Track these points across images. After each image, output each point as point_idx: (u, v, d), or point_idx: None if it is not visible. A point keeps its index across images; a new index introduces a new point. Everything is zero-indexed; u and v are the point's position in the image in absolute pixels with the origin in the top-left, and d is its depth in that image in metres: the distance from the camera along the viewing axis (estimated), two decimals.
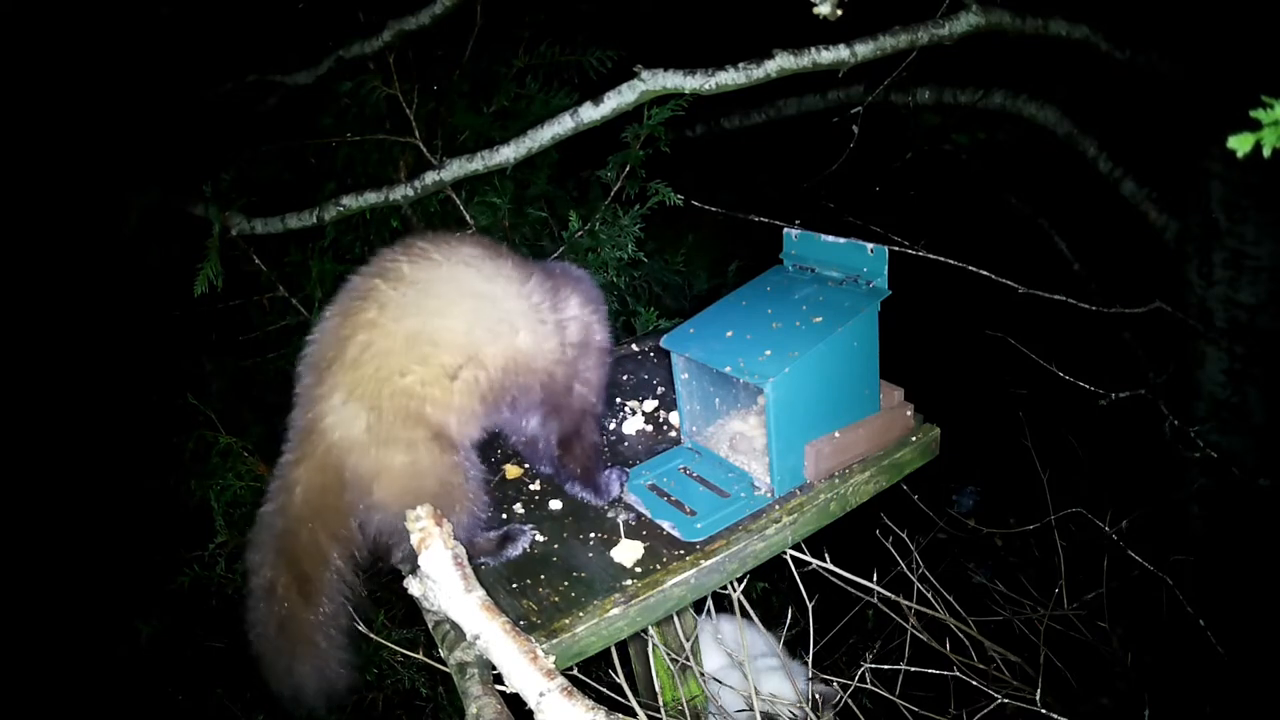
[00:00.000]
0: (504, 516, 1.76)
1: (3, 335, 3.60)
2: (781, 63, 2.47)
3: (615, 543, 1.58)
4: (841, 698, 2.06)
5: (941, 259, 2.77)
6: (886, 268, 1.68)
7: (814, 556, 1.86)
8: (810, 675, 2.14)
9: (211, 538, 2.97)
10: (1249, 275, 3.03)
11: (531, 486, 1.85)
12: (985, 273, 2.77)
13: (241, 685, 3.13)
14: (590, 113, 2.60)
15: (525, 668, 1.14)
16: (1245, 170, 2.88)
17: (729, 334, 1.71)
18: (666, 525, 1.60)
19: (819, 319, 1.65)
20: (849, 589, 2.00)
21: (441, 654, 1.44)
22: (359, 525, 1.53)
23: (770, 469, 1.63)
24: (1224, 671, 2.54)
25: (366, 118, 3.33)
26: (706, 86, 2.49)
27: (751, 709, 1.96)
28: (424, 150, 2.99)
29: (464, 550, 1.32)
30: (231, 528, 2.95)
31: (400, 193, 2.92)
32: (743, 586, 1.93)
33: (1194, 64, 3.12)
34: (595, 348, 1.77)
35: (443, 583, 1.27)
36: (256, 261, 3.25)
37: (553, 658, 1.20)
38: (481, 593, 1.27)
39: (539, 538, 1.66)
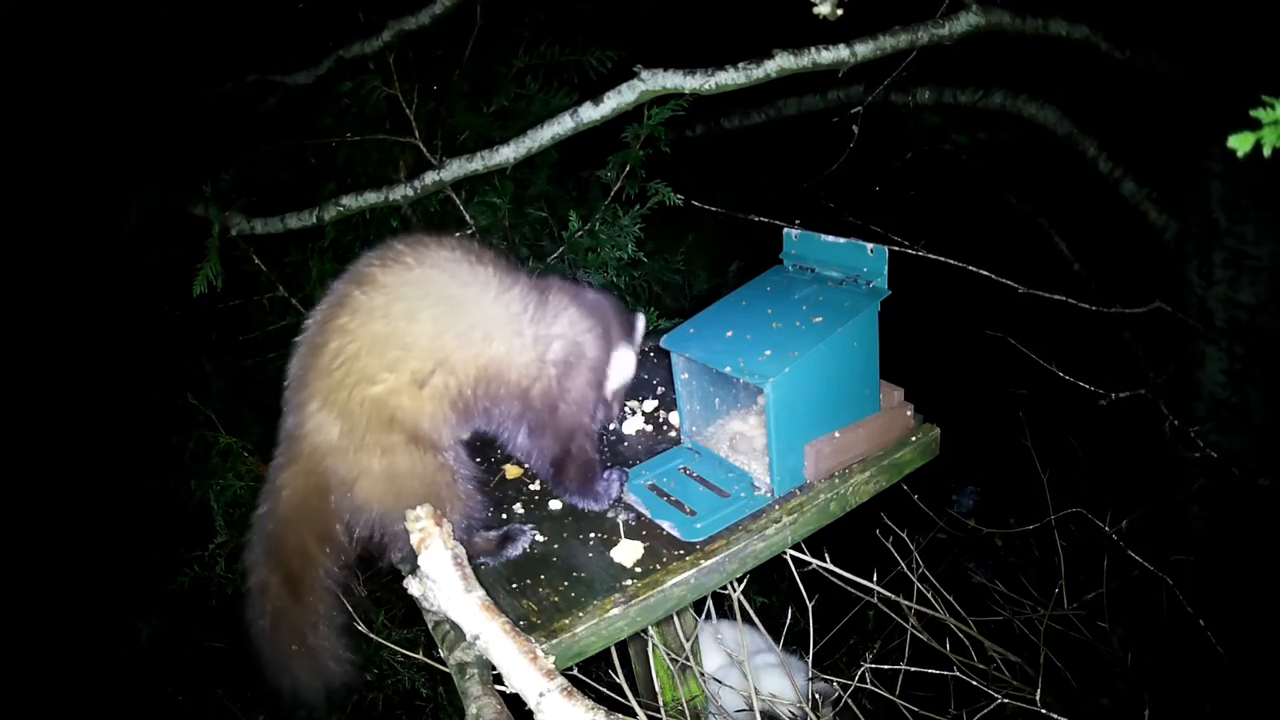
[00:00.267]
0: (504, 516, 1.75)
1: (3, 335, 3.60)
2: (781, 63, 2.47)
3: (615, 543, 1.58)
4: (842, 698, 2.06)
5: (941, 259, 2.77)
6: (886, 268, 1.68)
7: (814, 556, 1.86)
8: (810, 675, 2.14)
9: (211, 538, 2.97)
10: (1249, 275, 3.03)
11: (531, 486, 1.85)
12: (985, 273, 2.77)
13: (241, 685, 3.13)
14: (590, 113, 2.60)
15: (525, 668, 1.14)
16: (1245, 170, 2.87)
17: (729, 334, 1.71)
18: (666, 525, 1.60)
19: (819, 319, 1.65)
20: (849, 589, 2.00)
21: (441, 654, 1.44)
22: (346, 526, 1.54)
23: (770, 469, 1.63)
24: (1224, 671, 2.54)
25: (366, 118, 3.33)
26: (706, 86, 2.49)
27: (751, 709, 1.96)
28: (424, 150, 2.99)
29: (464, 550, 1.32)
30: (231, 528, 2.95)
31: (400, 193, 2.92)
32: (742, 587, 1.93)
33: (1194, 64, 3.12)
34: (585, 366, 1.70)
35: (442, 583, 1.27)
36: (256, 261, 3.25)
37: (553, 658, 1.20)
38: (481, 593, 1.27)
39: (539, 538, 1.65)
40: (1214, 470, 3.08)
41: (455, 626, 1.34)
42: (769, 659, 2.27)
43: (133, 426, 3.63)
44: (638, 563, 1.52)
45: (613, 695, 1.92)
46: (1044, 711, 1.96)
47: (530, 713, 1.12)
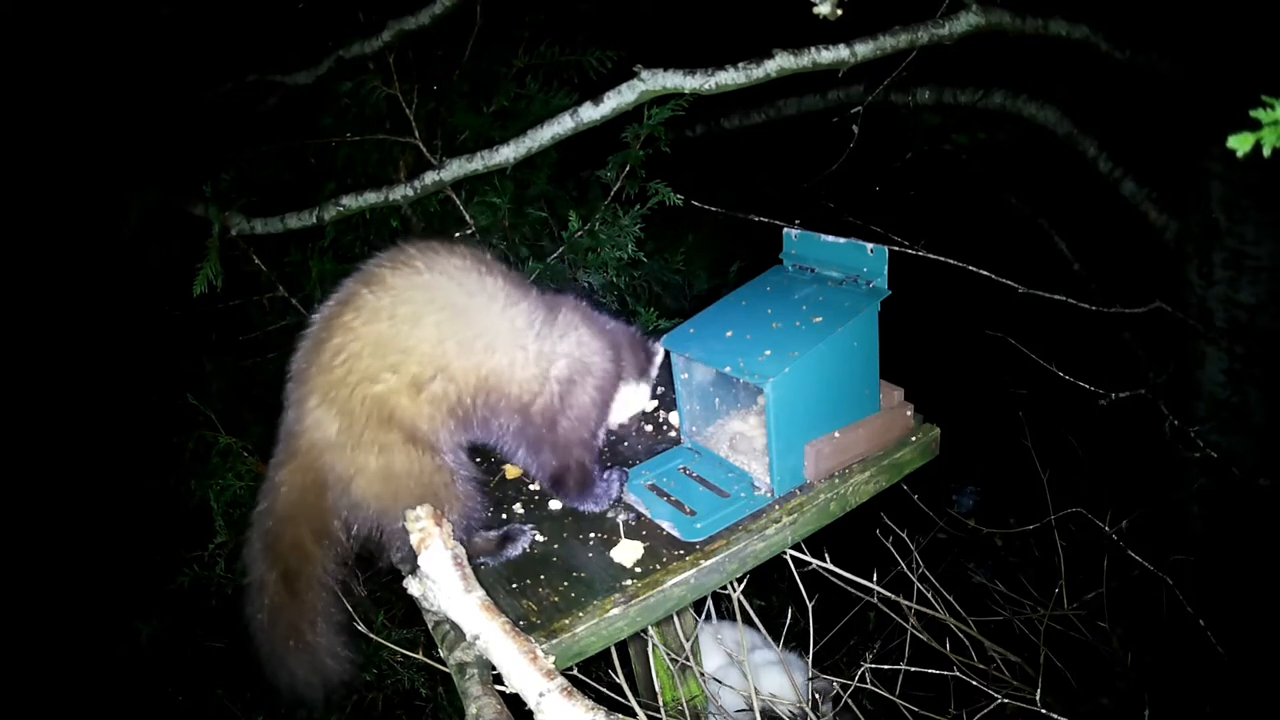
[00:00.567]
0: (504, 516, 1.75)
1: (3, 335, 3.60)
2: (781, 63, 2.47)
3: (615, 543, 1.58)
4: (843, 698, 2.06)
5: (941, 259, 2.77)
6: (886, 268, 1.68)
7: (814, 556, 1.86)
8: (810, 675, 2.14)
9: (211, 538, 2.97)
10: (1249, 275, 3.03)
11: (531, 487, 1.85)
12: (985, 273, 2.77)
13: (241, 685, 3.13)
14: (590, 113, 2.60)
15: (525, 668, 1.14)
16: (1245, 170, 2.87)
17: (729, 334, 1.71)
18: (666, 525, 1.60)
19: (819, 319, 1.65)
20: (849, 589, 2.00)
21: (441, 654, 1.44)
22: (344, 523, 1.54)
23: (770, 469, 1.63)
24: (1224, 671, 2.54)
25: (366, 118, 3.33)
26: (706, 86, 2.49)
27: (751, 709, 1.96)
28: (424, 150, 2.99)
29: (464, 550, 1.32)
30: (231, 528, 2.95)
31: (400, 193, 2.92)
32: (742, 587, 1.93)
33: (1194, 64, 3.12)
34: (590, 384, 1.68)
35: (442, 583, 1.27)
36: (256, 261, 3.25)
37: (553, 658, 1.20)
38: (481, 593, 1.27)
39: (539, 538, 1.65)
40: (1214, 470, 3.08)
41: (455, 626, 1.34)
42: (769, 659, 2.27)
43: (133, 426, 3.63)
44: (638, 563, 1.52)
45: (613, 695, 1.92)
46: (1044, 711, 1.96)
47: (530, 713, 1.12)
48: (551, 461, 1.67)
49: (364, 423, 1.46)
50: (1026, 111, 3.92)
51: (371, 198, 2.98)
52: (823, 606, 2.03)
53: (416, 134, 3.01)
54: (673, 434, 1.97)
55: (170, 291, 3.22)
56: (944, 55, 2.77)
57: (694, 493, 1.69)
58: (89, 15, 3.50)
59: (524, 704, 1.14)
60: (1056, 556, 2.42)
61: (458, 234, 3.12)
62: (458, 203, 3.04)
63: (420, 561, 1.30)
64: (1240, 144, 0.80)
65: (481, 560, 1.58)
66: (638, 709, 1.85)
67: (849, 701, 2.05)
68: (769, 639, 2.12)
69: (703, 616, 2.28)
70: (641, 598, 1.43)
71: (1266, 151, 0.80)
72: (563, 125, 2.66)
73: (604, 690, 1.93)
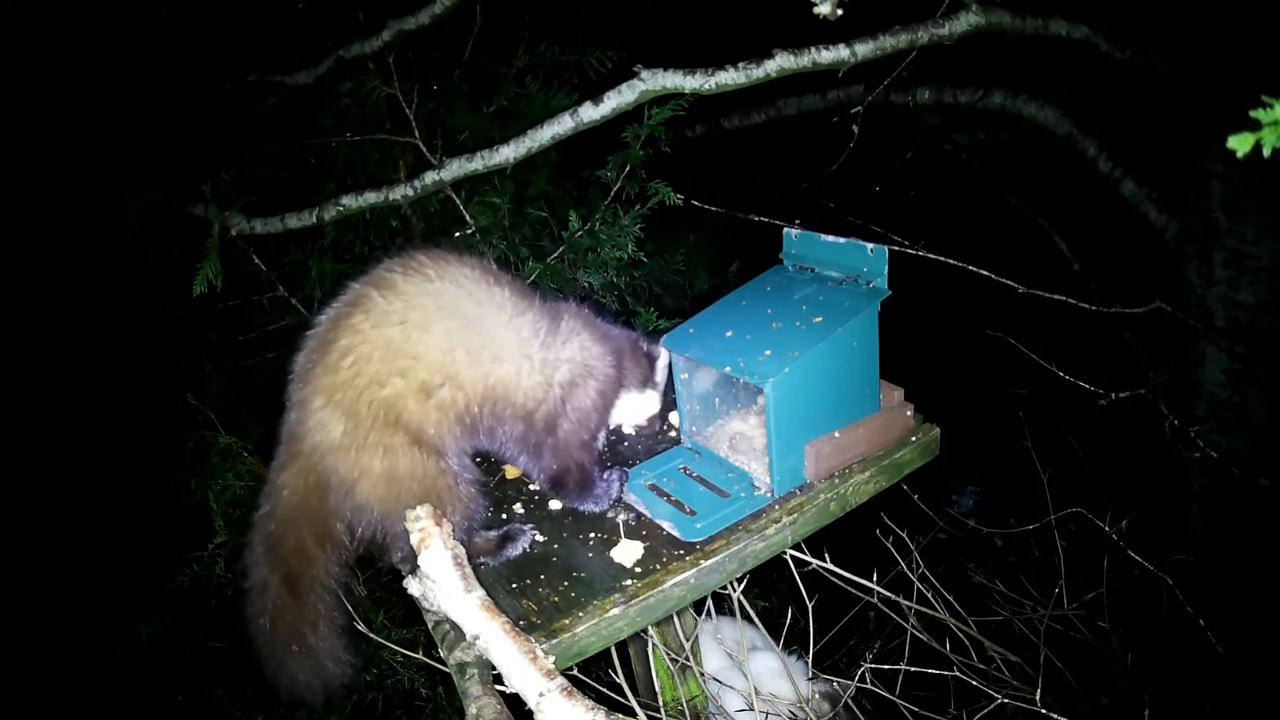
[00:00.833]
0: (504, 516, 1.76)
1: (3, 335, 3.60)
2: (781, 63, 2.47)
3: (615, 543, 1.58)
4: (843, 698, 2.06)
5: (941, 259, 2.77)
6: (886, 268, 1.68)
7: (814, 556, 1.86)
8: (810, 675, 2.14)
9: (211, 538, 2.97)
10: (1249, 275, 3.03)
11: (531, 487, 1.85)
12: (985, 273, 2.77)
13: (241, 685, 3.13)
14: (590, 113, 2.60)
15: (525, 668, 1.14)
16: (1245, 170, 2.88)
17: (729, 334, 1.71)
18: (666, 525, 1.60)
19: (819, 319, 1.65)
20: (849, 589, 2.00)
21: (441, 654, 1.44)
22: (348, 526, 1.54)
23: (770, 469, 1.63)
24: (1224, 671, 2.54)
25: (366, 118, 3.33)
26: (706, 86, 2.49)
27: (752, 709, 1.96)
28: (424, 150, 2.99)
29: (464, 550, 1.32)
30: (231, 528, 2.95)
31: (400, 193, 2.92)
32: (742, 586, 1.93)
33: (1194, 64, 3.12)
34: (592, 388, 1.69)
35: (442, 583, 1.27)
36: (256, 261, 3.25)
37: (553, 658, 1.20)
38: (481, 593, 1.27)
39: (539, 538, 1.66)
40: (1214, 470, 3.08)
41: (455, 626, 1.34)
42: (769, 658, 2.27)
43: (133, 426, 3.63)
44: (638, 563, 1.52)
45: (613, 695, 1.93)
46: (1044, 711, 1.96)
47: (530, 713, 1.12)
48: (552, 465, 1.67)
49: (370, 425, 1.46)
50: (1026, 111, 3.92)
51: (371, 198, 2.98)
52: (823, 606, 2.04)
53: (416, 134, 3.01)
54: (673, 434, 1.97)
55: (170, 291, 3.22)
56: (944, 55, 2.77)
57: (694, 493, 1.70)
58: (89, 15, 3.50)
59: (524, 704, 1.14)
60: (1056, 556, 2.42)
61: (458, 234, 3.12)
62: (458, 203, 3.04)
63: (420, 561, 1.30)
64: (1240, 144, 0.80)
65: (481, 560, 1.58)
66: (638, 709, 1.85)
67: (849, 701, 2.05)
68: (769, 639, 2.12)
69: (703, 615, 2.28)
70: (641, 598, 1.43)
71: (1266, 151, 0.80)
72: (563, 125, 2.66)
73: (604, 690, 1.93)
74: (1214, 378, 3.18)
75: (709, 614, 2.32)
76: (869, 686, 2.02)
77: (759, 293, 1.85)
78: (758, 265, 1.97)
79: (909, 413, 1.79)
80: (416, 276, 1.53)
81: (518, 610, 1.44)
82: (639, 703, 1.94)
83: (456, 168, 2.84)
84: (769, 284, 1.88)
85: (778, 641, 2.09)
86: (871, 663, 2.00)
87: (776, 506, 1.62)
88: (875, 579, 1.97)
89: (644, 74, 2.49)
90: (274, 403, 1.59)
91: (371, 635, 1.99)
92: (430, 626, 1.51)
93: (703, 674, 2.03)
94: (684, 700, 1.96)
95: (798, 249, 1.88)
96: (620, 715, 1.07)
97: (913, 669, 2.05)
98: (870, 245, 1.70)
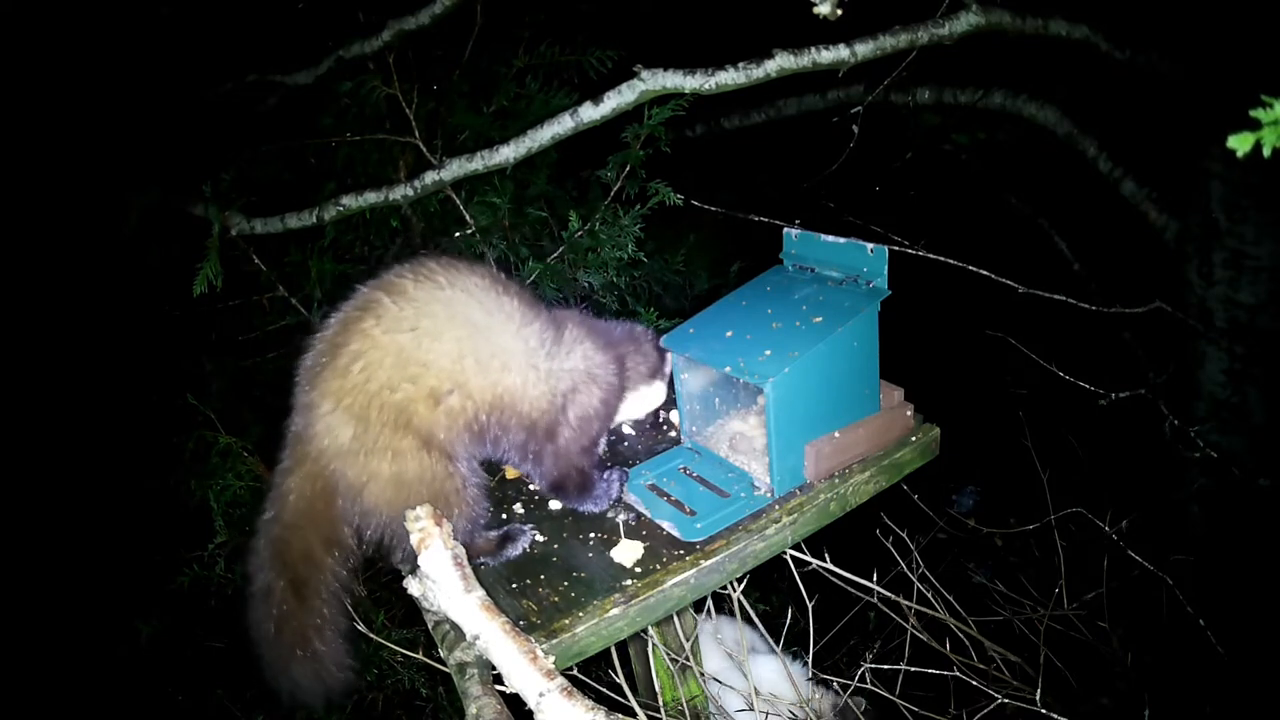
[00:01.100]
0: (504, 516, 1.76)
1: (3, 335, 3.60)
2: (781, 63, 2.47)
3: (615, 543, 1.58)
4: (841, 700, 2.06)
5: (941, 259, 2.77)
6: (886, 268, 1.68)
7: (814, 556, 1.86)
8: (810, 675, 2.14)
9: (211, 538, 2.97)
10: (1249, 275, 3.03)
11: (531, 487, 1.85)
12: (985, 273, 2.77)
13: (241, 685, 3.13)
14: (590, 113, 2.60)
15: (525, 668, 1.14)
16: (1245, 170, 2.88)
17: (729, 334, 1.71)
18: (666, 525, 1.60)
19: (819, 319, 1.65)
20: (849, 589, 2.00)
21: (441, 654, 1.44)
22: (355, 530, 1.54)
23: (770, 469, 1.63)
24: (1224, 671, 2.54)
25: (366, 118, 3.33)
26: (706, 86, 2.49)
27: (752, 709, 1.96)
28: (424, 150, 2.99)
29: (464, 550, 1.32)
30: (231, 528, 2.95)
31: (400, 193, 2.92)
32: (742, 586, 1.93)
33: (1194, 64, 3.12)
34: (595, 396, 1.69)
35: (442, 583, 1.27)
36: (256, 261, 3.25)
37: (553, 658, 1.20)
38: (481, 593, 1.27)
39: (539, 538, 1.66)
40: (1214, 470, 3.08)
41: (455, 626, 1.34)
42: (769, 662, 2.27)
43: (133, 426, 3.63)
44: (638, 563, 1.52)
45: (613, 695, 1.93)
46: (1044, 711, 1.96)
47: (530, 713, 1.12)
48: (553, 471, 1.67)
49: (379, 428, 1.46)
50: (1026, 111, 3.92)
51: (371, 198, 2.98)
52: (823, 606, 2.03)
53: (416, 134, 3.01)
54: (673, 434, 1.97)
55: (170, 291, 3.22)
56: (944, 55, 2.77)
57: (694, 493, 1.69)
58: (89, 15, 3.50)
59: (524, 704, 1.14)
60: (1056, 556, 2.42)
61: (458, 234, 3.12)
62: (458, 203, 3.04)
63: (420, 561, 1.30)
64: (1240, 144, 0.80)
65: (481, 560, 1.58)
66: (638, 709, 1.85)
67: (849, 701, 2.05)
68: (770, 641, 2.12)
69: (703, 615, 2.28)
70: (641, 598, 1.43)
71: (1266, 151, 0.80)
72: (563, 125, 2.66)
73: (604, 690, 1.93)
74: (1214, 378, 3.18)
75: (709, 614, 2.32)
76: (869, 686, 2.02)
77: (759, 293, 1.85)
78: (758, 265, 1.97)
79: (909, 413, 1.79)
80: (427, 283, 1.53)
81: (518, 610, 1.44)
82: (639, 703, 1.94)
83: (456, 168, 2.84)
84: (769, 284, 1.88)
85: (778, 642, 2.09)
86: (871, 663, 2.00)
87: (776, 506, 1.62)
88: (875, 579, 1.97)
89: (644, 74, 2.50)
90: (274, 403, 1.59)
91: (371, 635, 1.99)
92: (430, 626, 1.51)
93: (703, 674, 2.03)
94: (684, 700, 1.96)
95: (798, 249, 1.88)
96: (620, 715, 1.07)
97: (913, 669, 2.05)
98: (870, 245, 1.70)
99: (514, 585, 1.52)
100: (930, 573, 2.16)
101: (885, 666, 2.04)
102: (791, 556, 1.78)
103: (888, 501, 1.92)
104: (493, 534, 1.63)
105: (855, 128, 2.91)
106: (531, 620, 1.41)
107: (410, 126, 3.00)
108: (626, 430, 2.02)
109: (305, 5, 3.54)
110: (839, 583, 1.97)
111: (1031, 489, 2.72)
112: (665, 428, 2.02)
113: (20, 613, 3.56)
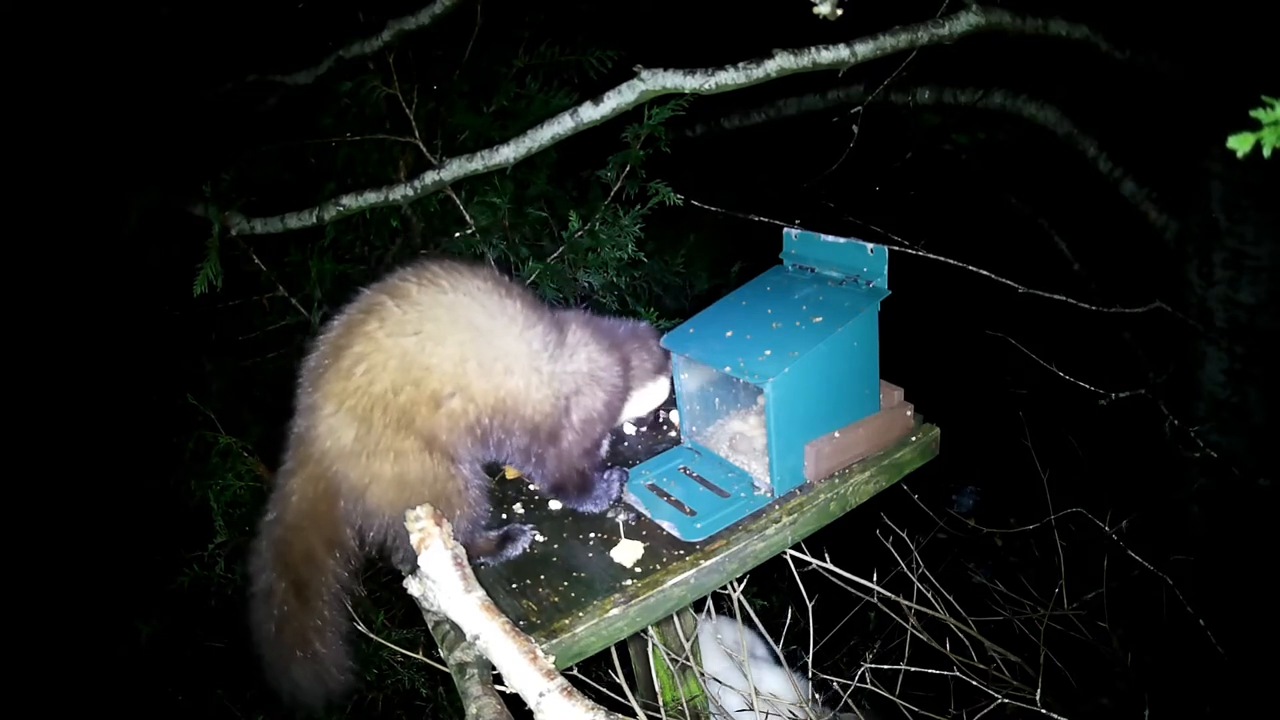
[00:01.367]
0: (504, 516, 1.76)
1: (3, 335, 3.60)
2: (781, 63, 2.47)
3: (615, 543, 1.58)
4: (844, 700, 2.06)
5: (941, 259, 2.77)
6: (886, 268, 1.68)
7: (814, 556, 1.86)
8: (810, 675, 2.14)
9: (211, 538, 2.97)
10: (1249, 275, 3.03)
11: (531, 487, 1.85)
12: (985, 273, 2.77)
13: (241, 685, 3.13)
14: (590, 113, 2.60)
15: (525, 668, 1.14)
16: (1245, 170, 2.88)
17: (729, 334, 1.71)
18: (666, 525, 1.60)
19: (819, 319, 1.65)
20: (849, 589, 2.00)
21: (441, 654, 1.44)
22: (358, 531, 1.55)
23: (770, 469, 1.63)
24: (1224, 671, 2.54)
25: (366, 118, 3.33)
26: (706, 86, 2.49)
27: (752, 709, 1.96)
28: (424, 150, 2.99)
29: (464, 550, 1.32)
30: (231, 528, 2.95)
31: (400, 193, 2.92)
32: (742, 587, 1.93)
33: (1194, 64, 3.12)
34: (598, 399, 1.69)
35: (442, 583, 1.27)
36: (256, 261, 3.25)
37: (553, 658, 1.20)
38: (481, 593, 1.27)
39: (539, 538, 1.66)
40: (1214, 470, 3.08)
41: (455, 626, 1.34)
42: (769, 665, 2.27)
43: (133, 426, 3.63)
44: (638, 563, 1.52)
45: (613, 695, 1.93)
46: (1044, 711, 1.96)
47: (530, 713, 1.12)
48: (555, 473, 1.67)
49: (382, 430, 1.46)
50: (1026, 111, 3.92)
51: (371, 198, 2.98)
52: (823, 606, 2.03)
53: (416, 134, 3.01)
54: (673, 434, 1.97)
55: (170, 291, 3.22)
56: (944, 55, 2.77)
57: (694, 493, 1.69)
58: (89, 15, 3.50)
59: (524, 704, 1.14)
60: (1056, 556, 2.42)
61: (458, 234, 3.12)
62: (458, 203, 3.04)
63: (420, 561, 1.30)
64: (1240, 144, 0.80)
65: (481, 560, 1.58)
66: (638, 709, 1.85)
67: (849, 701, 2.05)
68: (769, 639, 2.12)
69: (703, 615, 2.28)
70: (641, 598, 1.43)
71: (1266, 151, 0.80)
72: (563, 125, 2.66)
73: (604, 690, 1.93)
74: (1214, 378, 3.18)
75: (709, 614, 2.32)
76: (869, 686, 2.02)
77: (759, 293, 1.85)
78: (758, 265, 1.97)
79: (909, 413, 1.79)
80: (431, 287, 1.53)
81: (518, 610, 1.44)
82: (639, 703, 1.94)
83: (456, 168, 2.84)
84: (769, 284, 1.88)
85: (778, 642, 2.09)
86: (871, 663, 2.00)
87: (776, 506, 1.62)
88: (875, 579, 1.97)
89: (644, 74, 2.50)
90: (274, 403, 1.59)
91: (371, 635, 1.99)
92: (430, 626, 1.51)
93: (703, 674, 2.03)
94: (684, 700, 1.96)
95: (798, 249, 1.88)
96: (620, 715, 1.07)
97: (913, 669, 2.05)
98: (870, 245, 1.70)
99: (514, 585, 1.52)
100: (930, 573, 2.16)
101: (885, 666, 2.04)
102: (791, 556, 1.78)
103: (888, 501, 1.92)
104: (493, 534, 1.63)
105: (855, 128, 2.91)
106: (531, 620, 1.41)
107: (410, 126, 3.00)
108: (627, 430, 2.02)
109: (305, 5, 3.54)
110: (839, 583, 1.97)
111: (1031, 489, 2.72)
112: (665, 428, 2.02)
113: (21, 612, 3.56)
